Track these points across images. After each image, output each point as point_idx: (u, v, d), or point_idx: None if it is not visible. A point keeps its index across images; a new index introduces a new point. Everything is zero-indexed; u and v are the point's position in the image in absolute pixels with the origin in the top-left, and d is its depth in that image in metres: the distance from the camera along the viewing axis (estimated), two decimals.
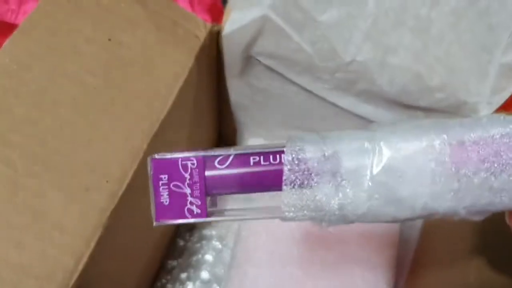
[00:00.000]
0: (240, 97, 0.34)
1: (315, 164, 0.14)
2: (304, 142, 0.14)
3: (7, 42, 0.23)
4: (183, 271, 0.33)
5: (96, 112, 0.23)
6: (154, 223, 0.15)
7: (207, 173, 0.15)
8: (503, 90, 0.27)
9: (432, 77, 0.27)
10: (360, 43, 0.27)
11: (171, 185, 0.15)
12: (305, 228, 0.29)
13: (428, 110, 0.29)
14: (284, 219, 0.15)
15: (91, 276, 0.21)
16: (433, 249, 0.30)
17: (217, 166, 0.15)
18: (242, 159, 0.15)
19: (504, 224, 0.21)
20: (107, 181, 0.22)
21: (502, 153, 0.14)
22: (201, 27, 0.28)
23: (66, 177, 0.21)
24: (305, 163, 0.14)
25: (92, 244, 0.20)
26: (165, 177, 0.15)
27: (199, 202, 0.15)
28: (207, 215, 0.15)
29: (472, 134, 0.14)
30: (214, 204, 0.15)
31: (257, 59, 0.30)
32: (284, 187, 0.14)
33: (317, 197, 0.14)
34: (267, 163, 0.15)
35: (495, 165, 0.14)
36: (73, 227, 0.21)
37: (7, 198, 0.20)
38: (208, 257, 0.33)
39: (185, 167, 0.15)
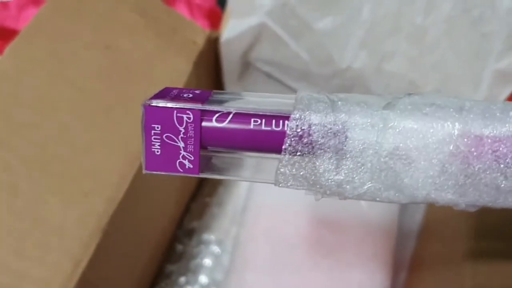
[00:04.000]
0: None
1: (320, 139, 0.13)
2: (311, 112, 0.13)
3: (8, 48, 0.24)
4: (182, 276, 0.33)
5: (95, 117, 0.23)
6: (144, 171, 0.14)
7: (204, 129, 0.14)
8: (497, 97, 0.28)
9: (427, 84, 0.28)
10: (356, 50, 0.28)
11: (164, 136, 0.14)
12: (303, 234, 0.29)
13: None
14: (277, 184, 0.14)
15: (90, 280, 0.21)
16: (430, 253, 0.30)
17: (215, 123, 0.14)
18: (243, 119, 0.13)
19: (501, 225, 0.21)
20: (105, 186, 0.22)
21: None
22: (200, 33, 0.28)
23: (65, 182, 0.22)
24: (309, 136, 0.13)
25: (91, 249, 0.21)
26: (158, 127, 0.14)
27: (192, 157, 0.14)
28: (200, 171, 0.14)
29: (494, 130, 0.13)
30: (207, 161, 0.14)
31: (255, 65, 0.30)
32: (283, 155, 0.13)
33: (316, 171, 0.13)
34: (269, 128, 0.13)
35: (509, 166, 0.13)
36: (72, 232, 0.21)
37: (7, 203, 0.21)
38: (207, 261, 0.33)
39: (180, 120, 0.13)
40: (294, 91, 0.31)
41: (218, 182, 0.36)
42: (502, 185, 0.13)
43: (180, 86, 0.26)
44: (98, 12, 0.26)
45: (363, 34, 0.27)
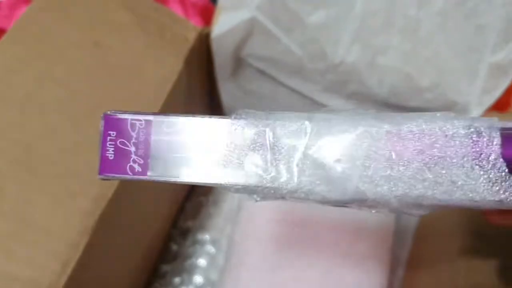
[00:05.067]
0: (232, 100, 0.34)
1: (255, 137, 0.15)
2: (248, 115, 0.15)
3: None
4: (176, 276, 0.32)
5: (83, 117, 0.23)
6: (98, 176, 0.15)
7: (153, 135, 0.15)
8: (493, 90, 0.27)
9: (422, 77, 0.27)
10: (349, 44, 0.27)
11: (118, 142, 0.15)
12: (299, 232, 0.29)
13: (418, 111, 0.28)
14: (220, 186, 0.15)
15: (79, 281, 0.21)
16: (427, 251, 0.30)
17: (165, 130, 0.15)
18: (189, 125, 0.15)
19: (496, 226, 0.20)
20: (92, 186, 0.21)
21: (437, 146, 0.14)
22: (190, 30, 0.28)
23: (52, 182, 0.21)
24: (245, 135, 0.15)
25: (80, 249, 0.20)
26: (113, 134, 0.15)
27: (142, 161, 0.15)
28: (148, 175, 0.15)
29: (410, 125, 0.14)
30: (159, 166, 0.15)
31: (247, 61, 0.30)
32: (223, 157, 0.15)
33: (253, 169, 0.15)
34: (213, 131, 0.15)
35: (430, 157, 0.14)
36: (60, 232, 0.20)
37: None
38: (202, 261, 0.33)
39: (133, 126, 0.15)
40: (288, 88, 0.31)
41: None
42: (428, 177, 0.14)
43: (171, 84, 0.26)
44: (86, 10, 0.26)
45: (356, 28, 0.27)
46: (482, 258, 0.23)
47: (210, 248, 0.33)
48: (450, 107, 0.28)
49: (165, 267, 0.33)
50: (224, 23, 0.27)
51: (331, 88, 0.29)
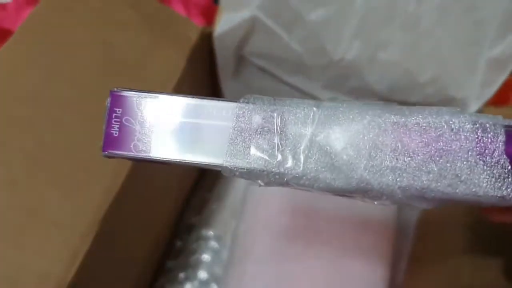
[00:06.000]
0: (235, 98, 0.34)
1: (262, 122, 0.15)
2: (256, 100, 0.15)
3: (3, 47, 0.24)
4: (181, 271, 0.33)
5: (90, 112, 0.23)
6: (101, 153, 0.15)
7: (159, 114, 0.15)
8: (492, 84, 0.28)
9: (422, 72, 0.28)
10: (349, 40, 0.28)
11: (123, 119, 0.15)
12: (302, 224, 0.29)
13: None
14: (224, 171, 0.15)
15: (88, 272, 0.21)
16: (429, 245, 0.30)
17: (171, 110, 0.15)
18: (196, 108, 0.15)
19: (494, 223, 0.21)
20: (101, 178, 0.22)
21: (443, 139, 0.14)
22: (193, 29, 0.28)
23: (62, 175, 0.22)
24: (252, 120, 0.15)
25: (89, 240, 0.21)
26: (119, 111, 0.15)
27: (146, 140, 0.15)
28: (152, 154, 0.15)
29: (417, 117, 0.14)
30: (164, 145, 0.15)
31: (249, 60, 0.30)
32: (229, 140, 0.15)
33: (258, 154, 0.15)
34: (219, 115, 0.15)
35: (435, 150, 0.14)
36: (70, 224, 0.21)
37: (4, 197, 0.21)
38: (206, 257, 0.33)
39: (139, 105, 0.15)
40: (289, 85, 0.32)
41: (217, 176, 0.36)
42: (433, 170, 0.14)
43: (174, 81, 0.26)
44: (92, 9, 0.26)
45: (356, 24, 0.27)
46: (485, 253, 0.23)
47: (214, 244, 0.34)
48: (450, 102, 0.28)
49: (170, 263, 0.33)
50: (225, 22, 0.28)
51: (332, 84, 0.30)
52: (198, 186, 0.37)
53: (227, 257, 0.32)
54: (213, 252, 0.33)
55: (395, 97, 0.29)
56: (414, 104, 0.29)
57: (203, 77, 0.32)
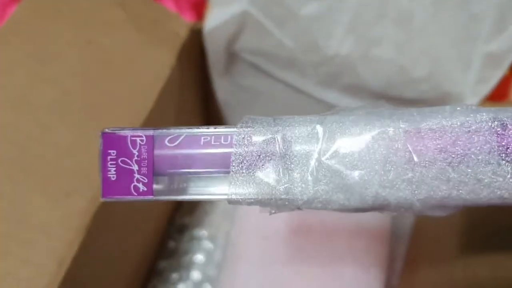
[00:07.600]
0: (227, 96, 0.34)
1: (264, 146, 0.14)
2: (255, 123, 0.14)
3: None
4: (174, 272, 0.32)
5: (77, 115, 0.23)
6: (101, 199, 0.15)
7: (156, 151, 0.14)
8: (487, 80, 0.27)
9: (416, 68, 0.27)
10: (342, 36, 0.27)
11: (119, 161, 0.14)
12: (295, 226, 0.29)
13: (413, 103, 0.28)
14: (230, 201, 0.14)
15: (75, 279, 0.21)
16: (424, 247, 0.30)
17: (167, 144, 0.14)
18: (193, 139, 0.14)
19: (492, 221, 0.20)
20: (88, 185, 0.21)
21: (460, 143, 0.13)
22: (183, 25, 0.28)
23: (47, 182, 0.21)
24: (253, 145, 0.14)
25: (75, 248, 0.20)
26: (114, 153, 0.14)
27: (146, 180, 0.14)
28: (154, 194, 0.14)
29: (430, 122, 0.14)
30: (164, 183, 0.15)
31: (241, 56, 0.30)
32: (231, 168, 0.14)
33: (264, 180, 0.14)
34: (218, 143, 0.14)
35: (453, 156, 0.13)
36: (56, 232, 0.20)
37: None
38: (200, 257, 0.33)
39: (134, 144, 0.14)
40: (282, 82, 0.31)
41: None
42: (452, 177, 0.13)
43: (164, 80, 0.26)
44: (77, 8, 0.25)
45: (349, 20, 0.27)
46: (480, 253, 0.23)
47: (207, 244, 0.33)
48: (445, 98, 0.28)
49: (163, 264, 0.33)
50: (215, 18, 0.27)
51: (326, 81, 0.29)
52: None
53: (221, 258, 0.31)
54: (206, 253, 0.33)
55: (390, 93, 0.29)
56: (409, 100, 0.29)
57: (193, 74, 0.31)
